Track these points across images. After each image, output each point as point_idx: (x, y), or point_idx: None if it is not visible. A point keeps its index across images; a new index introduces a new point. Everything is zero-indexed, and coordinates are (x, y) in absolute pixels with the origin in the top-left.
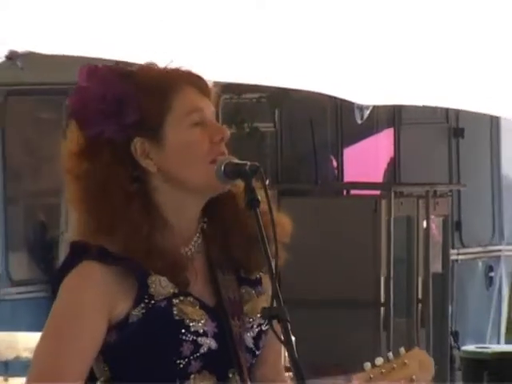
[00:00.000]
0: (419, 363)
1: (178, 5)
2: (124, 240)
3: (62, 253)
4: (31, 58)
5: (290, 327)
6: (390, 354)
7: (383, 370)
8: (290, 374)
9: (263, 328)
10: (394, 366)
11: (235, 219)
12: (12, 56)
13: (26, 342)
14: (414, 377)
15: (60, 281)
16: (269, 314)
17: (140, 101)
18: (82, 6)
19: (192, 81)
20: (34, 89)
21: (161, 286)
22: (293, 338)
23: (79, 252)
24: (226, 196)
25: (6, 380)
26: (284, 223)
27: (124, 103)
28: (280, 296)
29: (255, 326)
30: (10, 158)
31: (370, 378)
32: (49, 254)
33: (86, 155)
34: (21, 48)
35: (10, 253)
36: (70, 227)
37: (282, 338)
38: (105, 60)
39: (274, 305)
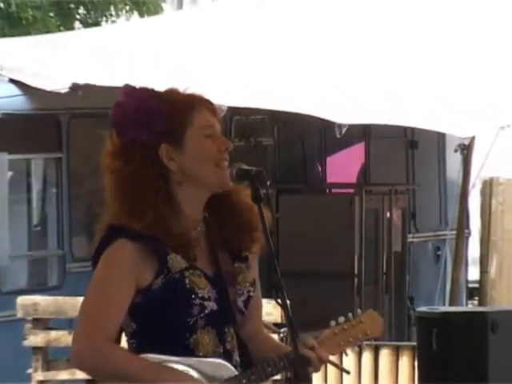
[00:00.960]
0: (372, 321)
1: (198, 48)
2: (151, 224)
3: None
4: (88, 88)
5: (285, 293)
6: (350, 315)
7: (345, 327)
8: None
9: (251, 294)
10: (354, 323)
11: (230, 210)
12: (74, 87)
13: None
14: (368, 331)
15: (99, 255)
16: (270, 283)
17: (168, 115)
18: (122, 51)
19: (206, 104)
20: (90, 112)
21: (176, 261)
22: (288, 302)
23: (115, 232)
24: (222, 192)
25: (70, 333)
26: (268, 215)
27: (154, 116)
28: (278, 270)
29: (245, 293)
30: (73, 166)
31: (335, 333)
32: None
33: (120, 156)
34: (80, 81)
35: (73, 237)
36: (107, 212)
37: (280, 301)
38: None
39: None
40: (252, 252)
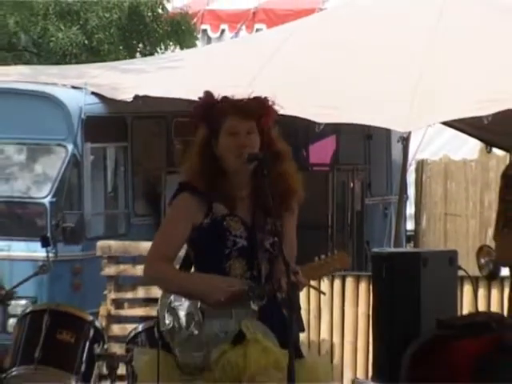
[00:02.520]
0: (341, 258)
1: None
2: (207, 183)
3: (165, 200)
4: (145, 98)
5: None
6: (329, 254)
7: (323, 262)
8: None
9: (276, 240)
10: (329, 259)
11: (270, 183)
12: (136, 98)
13: (145, 246)
14: (338, 265)
15: (171, 202)
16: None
17: (211, 122)
18: (170, 72)
19: (237, 111)
20: (146, 115)
21: (219, 209)
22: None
23: (182, 187)
24: (262, 171)
25: (133, 266)
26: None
27: (207, 120)
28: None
29: (271, 239)
30: (134, 152)
31: (316, 265)
32: (155, 200)
33: (197, 140)
34: (140, 93)
35: (135, 201)
36: (181, 175)
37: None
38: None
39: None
40: (287, 213)
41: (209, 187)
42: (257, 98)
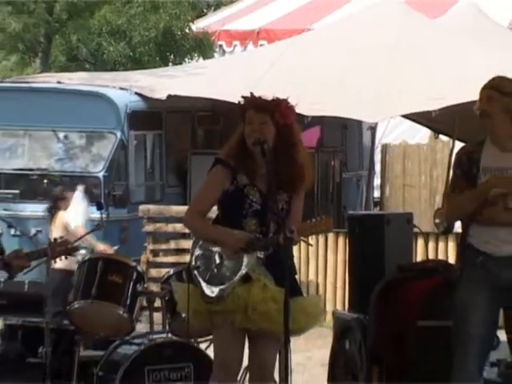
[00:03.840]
0: (326, 221)
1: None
2: (235, 159)
3: (191, 174)
4: (176, 97)
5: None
6: (316, 218)
7: (312, 224)
8: None
9: (285, 207)
10: (317, 223)
11: (286, 163)
12: (168, 96)
13: (175, 209)
14: (324, 227)
15: (209, 171)
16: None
17: (241, 112)
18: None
19: (253, 106)
20: (177, 110)
21: (242, 179)
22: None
23: (217, 161)
24: (284, 150)
25: (166, 225)
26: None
27: (239, 113)
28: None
29: (280, 205)
30: (167, 138)
31: (307, 226)
32: (183, 175)
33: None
34: (172, 93)
35: (168, 174)
36: (222, 150)
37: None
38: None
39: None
40: (295, 192)
41: (236, 162)
42: (273, 98)
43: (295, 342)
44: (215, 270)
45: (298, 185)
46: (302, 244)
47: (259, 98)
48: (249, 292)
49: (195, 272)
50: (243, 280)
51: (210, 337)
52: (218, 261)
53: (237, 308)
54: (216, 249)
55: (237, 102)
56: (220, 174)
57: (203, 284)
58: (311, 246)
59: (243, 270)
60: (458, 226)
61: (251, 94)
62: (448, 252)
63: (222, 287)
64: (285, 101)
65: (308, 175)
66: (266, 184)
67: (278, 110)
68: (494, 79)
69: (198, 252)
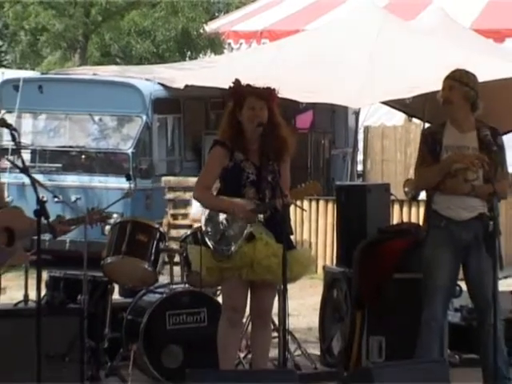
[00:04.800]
0: (315, 186)
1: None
2: (231, 139)
3: (204, 151)
4: (193, 87)
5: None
6: (305, 183)
7: (303, 188)
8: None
9: (276, 176)
10: (307, 187)
11: (274, 139)
12: (186, 86)
13: (192, 180)
14: (313, 191)
15: (209, 152)
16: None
17: (237, 98)
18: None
19: (254, 93)
20: (193, 97)
21: (238, 156)
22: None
23: (215, 142)
24: (272, 129)
25: (183, 193)
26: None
27: (235, 97)
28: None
29: (272, 174)
30: (185, 120)
31: (299, 189)
32: (198, 151)
33: (227, 109)
34: (189, 83)
35: (185, 151)
36: (217, 133)
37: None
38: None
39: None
40: (282, 160)
41: (232, 142)
42: (267, 87)
43: (291, 291)
44: (223, 233)
45: (284, 154)
46: (298, 209)
47: (254, 86)
48: (254, 250)
49: (206, 236)
50: (248, 239)
51: (219, 287)
52: (225, 225)
53: (244, 264)
54: (222, 215)
55: (228, 87)
56: (219, 154)
57: (214, 245)
58: (305, 211)
59: (248, 231)
60: (422, 195)
61: (237, 80)
62: (419, 216)
63: (230, 247)
64: (273, 89)
65: (291, 146)
66: (258, 157)
67: (271, 98)
68: (454, 71)
69: (207, 218)
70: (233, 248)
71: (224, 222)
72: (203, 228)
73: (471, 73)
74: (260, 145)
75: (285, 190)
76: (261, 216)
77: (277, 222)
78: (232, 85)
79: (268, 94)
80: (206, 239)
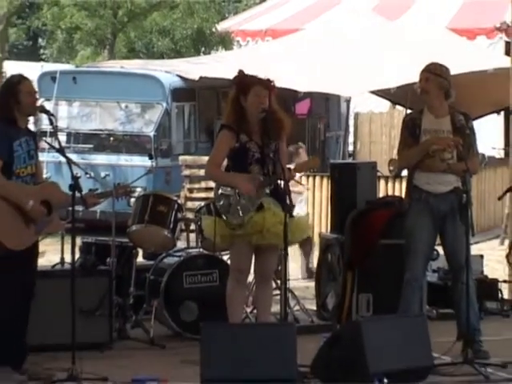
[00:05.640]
0: (314, 160)
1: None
2: (236, 123)
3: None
4: (206, 78)
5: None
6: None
7: (305, 162)
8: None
9: (276, 152)
10: (308, 161)
11: (273, 120)
12: (200, 77)
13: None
14: (312, 165)
15: (217, 135)
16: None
17: (243, 86)
18: (223, 62)
19: (260, 82)
20: (207, 87)
21: (244, 137)
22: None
23: (222, 126)
24: (271, 113)
25: (199, 170)
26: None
27: (240, 86)
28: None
29: (273, 150)
30: (200, 107)
31: (301, 164)
32: (211, 134)
33: (231, 97)
34: (203, 75)
35: (200, 134)
36: (222, 118)
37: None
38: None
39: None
40: (280, 139)
41: (237, 125)
42: (268, 79)
43: (291, 254)
44: (235, 204)
45: (282, 134)
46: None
47: (258, 77)
48: (263, 218)
49: (220, 208)
50: (257, 209)
51: (228, 251)
52: (236, 198)
53: (254, 231)
54: (233, 190)
55: (232, 77)
56: (227, 137)
57: (228, 216)
58: (303, 185)
59: (258, 201)
60: (404, 172)
61: (241, 71)
62: (401, 190)
63: (243, 217)
64: (272, 81)
65: (287, 127)
66: (260, 137)
67: (272, 87)
68: (430, 64)
69: (220, 192)
70: (245, 218)
71: (235, 195)
72: (217, 201)
73: (444, 65)
74: (261, 127)
75: (284, 165)
76: (267, 189)
77: (279, 193)
78: (237, 74)
79: (269, 84)
80: (220, 212)
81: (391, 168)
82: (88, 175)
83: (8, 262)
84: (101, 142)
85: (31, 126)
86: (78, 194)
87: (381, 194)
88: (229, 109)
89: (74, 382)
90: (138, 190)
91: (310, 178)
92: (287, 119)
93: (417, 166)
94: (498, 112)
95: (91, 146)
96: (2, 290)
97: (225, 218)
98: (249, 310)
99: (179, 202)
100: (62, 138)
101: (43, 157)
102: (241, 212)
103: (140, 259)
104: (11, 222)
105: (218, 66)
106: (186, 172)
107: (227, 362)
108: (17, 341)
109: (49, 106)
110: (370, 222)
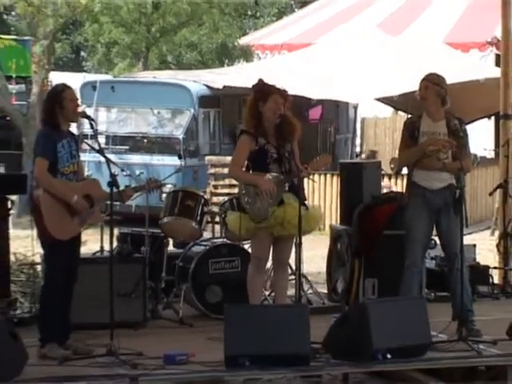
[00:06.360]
0: (326, 157)
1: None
2: (254, 128)
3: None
4: (229, 87)
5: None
6: (317, 157)
7: (315, 161)
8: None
9: (291, 154)
10: (319, 159)
11: (286, 124)
12: (224, 86)
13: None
14: (324, 162)
15: (238, 139)
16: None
17: (262, 94)
18: (242, 73)
19: (278, 92)
20: (230, 95)
21: (262, 140)
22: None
23: (242, 131)
24: (284, 119)
25: (223, 168)
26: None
27: (259, 93)
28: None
29: (287, 151)
30: (224, 113)
31: (314, 161)
32: (233, 136)
33: (250, 102)
34: (227, 84)
35: (224, 136)
36: (242, 123)
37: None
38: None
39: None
40: (293, 140)
41: (255, 130)
42: (284, 89)
43: (305, 244)
44: (259, 200)
45: (294, 135)
46: (310, 182)
47: (276, 87)
48: (284, 212)
49: (245, 205)
50: (279, 204)
51: (248, 241)
52: (260, 194)
53: (276, 223)
54: (255, 189)
55: (252, 85)
56: (246, 140)
57: (253, 210)
58: (315, 182)
59: (279, 198)
60: (404, 170)
61: (261, 80)
62: (402, 187)
63: (266, 212)
64: (287, 91)
65: (298, 130)
66: (275, 139)
67: (287, 96)
68: (428, 74)
69: (243, 191)
70: (267, 211)
71: (260, 193)
72: (242, 199)
73: (441, 75)
74: (276, 130)
75: (297, 163)
76: (286, 185)
77: (295, 189)
78: (257, 83)
79: (285, 94)
80: (246, 208)
81: (392, 166)
82: (124, 173)
83: (55, 250)
84: (136, 143)
85: (74, 130)
86: (115, 190)
87: (384, 190)
88: (247, 114)
89: (111, 357)
90: (169, 186)
91: (322, 176)
92: (298, 123)
93: (415, 165)
94: (488, 117)
95: (127, 147)
96: (50, 275)
97: (250, 213)
98: (267, 293)
99: (205, 197)
100: (102, 140)
101: (85, 157)
102: (264, 207)
103: (170, 248)
104: (58, 214)
105: (239, 76)
106: (212, 170)
107: (248, 339)
108: (62, 320)
109: (90, 111)
110: (375, 215)
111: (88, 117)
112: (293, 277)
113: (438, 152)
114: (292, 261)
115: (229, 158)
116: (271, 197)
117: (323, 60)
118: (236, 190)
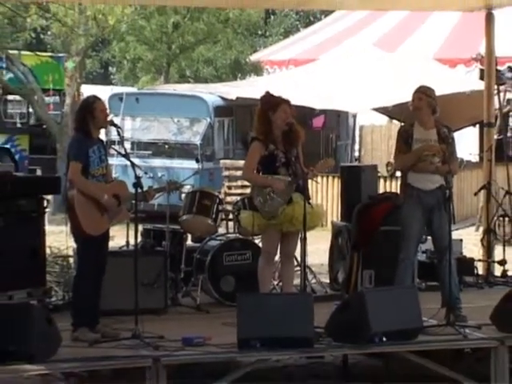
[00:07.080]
0: (329, 161)
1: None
2: (264, 135)
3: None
4: (241, 99)
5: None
6: (322, 160)
7: (319, 164)
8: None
9: (296, 158)
10: (323, 163)
11: (292, 132)
12: (237, 98)
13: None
14: (327, 165)
15: (249, 145)
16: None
17: (271, 105)
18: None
19: (286, 102)
20: (242, 105)
21: (271, 146)
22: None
23: (253, 139)
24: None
25: (235, 171)
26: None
27: (269, 103)
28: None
29: (294, 156)
30: (237, 121)
31: (319, 164)
32: (245, 143)
33: (259, 112)
34: (239, 95)
35: (236, 142)
36: (252, 131)
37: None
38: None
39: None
40: (298, 145)
41: (265, 137)
42: (288, 100)
43: (309, 239)
44: (269, 200)
45: (299, 141)
46: (314, 183)
47: (284, 98)
48: (293, 210)
49: (258, 205)
50: (288, 203)
51: (259, 236)
52: (271, 195)
53: (286, 220)
54: (267, 189)
55: (260, 97)
56: (257, 147)
57: (266, 209)
58: (318, 183)
59: (288, 197)
60: (398, 173)
61: (268, 92)
62: (397, 188)
63: (277, 210)
64: (289, 100)
65: (303, 136)
66: (283, 145)
67: (291, 106)
68: (421, 87)
69: (256, 191)
70: (278, 210)
71: (270, 192)
72: (254, 199)
73: (431, 88)
74: (283, 136)
75: (302, 166)
76: (294, 186)
77: (302, 189)
78: (264, 95)
79: (289, 103)
80: (258, 207)
81: (388, 169)
82: (148, 175)
83: (87, 245)
84: (158, 149)
85: (103, 136)
86: (139, 190)
87: (381, 191)
88: (257, 122)
89: (136, 340)
90: (188, 187)
91: (324, 178)
92: (302, 130)
93: (409, 168)
94: (473, 125)
95: (150, 152)
96: (81, 267)
97: (262, 211)
98: (275, 282)
99: (220, 196)
100: (127, 145)
101: (112, 161)
102: (276, 205)
103: (189, 242)
104: (90, 212)
105: (251, 88)
106: (226, 173)
107: (258, 324)
108: (92, 307)
109: (117, 120)
110: (373, 213)
111: (115, 125)
112: (298, 268)
113: (432, 156)
114: (298, 254)
115: (241, 162)
116: (282, 196)
117: (325, 74)
118: (248, 191)
